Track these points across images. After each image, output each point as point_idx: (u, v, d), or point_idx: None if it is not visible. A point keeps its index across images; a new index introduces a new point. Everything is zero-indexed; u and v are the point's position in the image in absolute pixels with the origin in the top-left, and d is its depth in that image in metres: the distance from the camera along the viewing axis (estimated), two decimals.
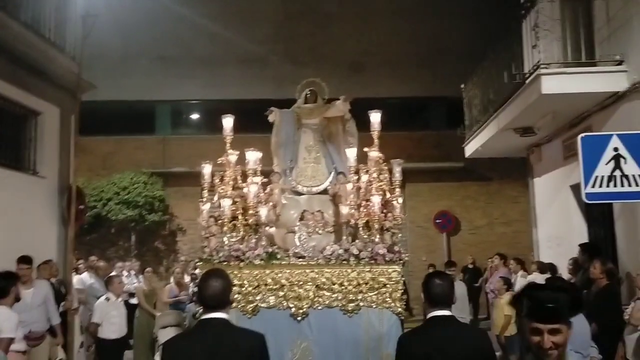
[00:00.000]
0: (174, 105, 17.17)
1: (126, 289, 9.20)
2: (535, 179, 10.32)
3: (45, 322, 6.49)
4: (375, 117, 6.26)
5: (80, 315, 8.19)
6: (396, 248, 5.70)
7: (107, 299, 7.24)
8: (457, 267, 11.98)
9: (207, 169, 6.50)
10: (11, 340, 4.95)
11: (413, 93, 16.17)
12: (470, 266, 13.67)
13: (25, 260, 6.55)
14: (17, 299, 5.41)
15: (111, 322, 7.15)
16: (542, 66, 6.50)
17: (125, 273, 10.61)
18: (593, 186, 5.32)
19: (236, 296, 5.50)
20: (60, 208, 8.78)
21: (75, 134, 8.61)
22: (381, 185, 6.09)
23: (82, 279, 8.91)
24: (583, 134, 5.45)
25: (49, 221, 8.64)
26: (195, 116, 17.98)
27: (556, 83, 6.50)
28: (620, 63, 6.59)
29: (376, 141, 6.18)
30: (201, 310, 3.19)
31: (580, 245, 7.67)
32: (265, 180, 6.39)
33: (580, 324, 4.21)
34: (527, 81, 7.05)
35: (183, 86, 16.22)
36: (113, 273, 9.24)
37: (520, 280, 9.25)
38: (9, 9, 7.28)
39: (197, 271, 10.30)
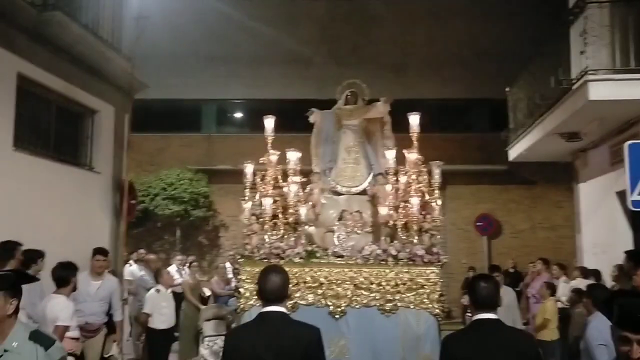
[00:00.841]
0: (219, 104, 17.59)
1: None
2: (581, 184, 10.19)
3: (103, 315, 6.44)
4: (414, 119, 6.21)
5: (129, 305, 8.55)
6: (435, 249, 5.67)
7: (158, 291, 7.55)
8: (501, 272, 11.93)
9: (249, 168, 6.57)
10: (66, 328, 5.18)
11: (455, 95, 16.09)
12: (512, 270, 13.53)
13: (101, 252, 6.60)
14: (74, 288, 5.70)
15: (161, 312, 7.46)
16: (589, 72, 6.46)
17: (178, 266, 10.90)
18: (639, 194, 5.32)
19: None
20: (114, 202, 9.21)
21: (129, 132, 8.97)
22: (420, 187, 6.06)
23: (132, 271, 9.28)
24: (630, 141, 5.45)
25: (103, 214, 9.05)
26: (239, 115, 18.33)
27: (604, 89, 6.45)
28: None
29: (415, 143, 6.14)
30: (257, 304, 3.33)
31: (626, 252, 7.57)
32: (304, 179, 6.43)
33: None
34: (574, 87, 7.00)
35: (228, 85, 16.61)
36: (173, 266, 9.54)
37: (562, 286, 9.17)
38: (69, 11, 7.63)
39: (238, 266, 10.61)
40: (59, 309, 5.16)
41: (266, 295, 3.10)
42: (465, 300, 13.24)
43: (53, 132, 8.07)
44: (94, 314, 6.30)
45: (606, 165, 8.68)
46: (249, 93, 16.72)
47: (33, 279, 3.94)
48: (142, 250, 10.40)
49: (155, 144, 16.34)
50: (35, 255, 6.37)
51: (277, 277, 3.12)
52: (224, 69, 16.37)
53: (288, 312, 3.19)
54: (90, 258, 6.48)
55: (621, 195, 7.82)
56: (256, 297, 5.50)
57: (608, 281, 7.92)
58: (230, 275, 11.26)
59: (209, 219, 16.00)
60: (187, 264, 10.44)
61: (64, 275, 5.42)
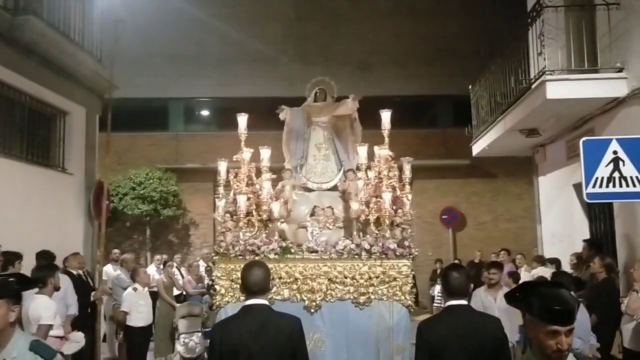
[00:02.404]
0: (186, 103, 17.57)
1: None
2: (540, 178, 10.66)
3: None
4: (385, 116, 6.28)
5: (104, 304, 8.58)
6: (406, 243, 5.74)
7: (135, 289, 7.64)
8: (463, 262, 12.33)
9: (222, 166, 6.48)
10: (50, 327, 5.26)
11: (420, 91, 16.50)
12: (477, 261, 13.97)
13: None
14: (57, 288, 5.75)
15: (139, 310, 7.55)
16: (547, 72, 6.82)
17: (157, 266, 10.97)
18: (594, 186, 5.67)
19: None
20: (87, 203, 9.23)
21: (103, 133, 8.98)
22: (391, 183, 6.12)
23: (105, 271, 9.31)
24: (584, 138, 5.81)
25: (76, 215, 9.08)
26: (206, 113, 18.36)
27: (560, 89, 6.80)
28: (620, 70, 6.89)
29: (386, 139, 6.24)
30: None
31: (585, 241, 8.04)
32: (274, 176, 6.42)
33: (581, 314, 4.55)
34: (532, 86, 7.38)
35: (195, 84, 16.62)
36: (152, 265, 9.58)
37: (524, 275, 9.52)
38: (40, 13, 7.64)
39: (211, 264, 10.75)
40: (42, 309, 5.22)
41: (250, 288, 3.28)
42: (434, 291, 13.69)
43: (25, 133, 8.07)
44: None
45: (563, 160, 9.13)
46: (217, 91, 16.78)
47: (34, 284, 3.89)
48: (116, 250, 10.42)
49: (122, 144, 16.22)
50: (13, 258, 6.42)
51: (260, 270, 3.32)
52: (190, 68, 16.37)
53: (269, 304, 3.34)
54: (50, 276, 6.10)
55: (577, 187, 8.23)
56: (231, 293, 5.67)
57: (566, 269, 8.36)
58: (203, 273, 11.40)
59: (178, 218, 16.03)
60: (162, 264, 10.52)
61: (42, 276, 5.44)
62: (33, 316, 5.20)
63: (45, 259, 6.60)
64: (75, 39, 8.61)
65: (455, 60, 15.63)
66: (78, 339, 6.24)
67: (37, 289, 5.34)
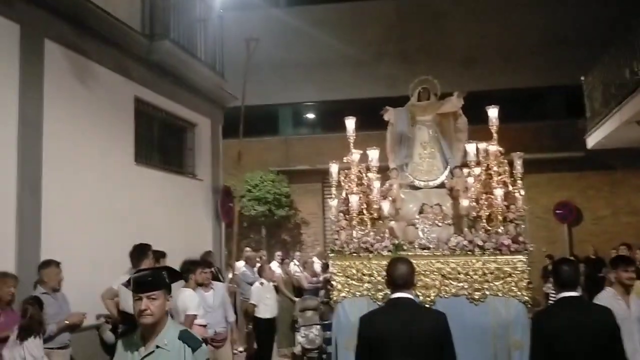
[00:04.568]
0: (294, 108, 18.38)
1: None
2: None
3: (225, 322, 6.73)
4: (492, 112, 6.25)
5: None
6: (521, 239, 5.71)
7: (262, 284, 8.31)
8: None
9: (334, 168, 6.70)
10: (195, 317, 5.84)
11: (527, 84, 16.04)
12: (593, 257, 13.46)
13: (205, 264, 6.89)
14: (200, 284, 6.42)
15: (266, 303, 8.20)
16: None
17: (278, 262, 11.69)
18: None
19: (366, 285, 5.87)
20: (214, 205, 10.13)
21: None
22: (502, 178, 6.12)
23: (237, 266, 10.13)
24: None
25: (205, 217, 9.98)
26: (313, 117, 19.00)
27: None
28: None
29: (495, 135, 6.20)
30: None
31: None
32: (379, 176, 6.52)
33: None
34: None
35: (302, 90, 17.32)
36: (274, 262, 10.32)
37: None
38: (171, 35, 8.51)
39: (329, 262, 11.25)
40: (188, 300, 5.84)
41: (395, 281, 3.41)
42: (547, 288, 13.33)
43: (162, 145, 9.03)
44: (219, 322, 6.59)
45: None
46: (322, 95, 17.32)
47: (181, 276, 4.23)
48: (248, 248, 11.30)
49: (236, 149, 17.24)
50: (158, 255, 7.28)
51: (404, 265, 3.47)
52: (296, 74, 17.05)
53: (414, 298, 3.48)
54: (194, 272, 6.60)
55: None
56: (347, 289, 5.94)
57: None
58: (318, 270, 12.00)
59: (290, 217, 16.74)
60: (281, 260, 11.22)
61: (189, 269, 6.16)
62: (181, 307, 5.80)
63: (208, 267, 6.82)
64: (200, 56, 9.45)
65: (564, 50, 15.04)
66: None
67: (183, 283, 6.10)
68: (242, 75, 9.41)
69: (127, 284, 3.08)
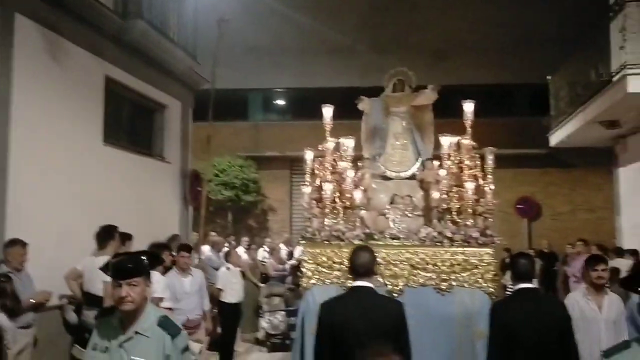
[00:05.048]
0: (265, 94, 18.30)
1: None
2: (620, 169, 10.57)
3: (200, 309, 6.74)
4: (468, 106, 6.28)
5: None
6: (489, 232, 5.79)
7: (228, 268, 8.33)
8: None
9: (309, 155, 6.64)
10: (161, 299, 5.78)
11: (496, 80, 16.38)
12: (546, 250, 13.79)
13: (185, 248, 6.88)
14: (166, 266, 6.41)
15: (232, 288, 8.22)
16: (628, 67, 6.87)
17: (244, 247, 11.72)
18: None
19: (336, 272, 5.79)
20: (182, 189, 10.06)
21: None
22: (473, 172, 6.10)
23: (203, 251, 10.07)
24: None
25: (173, 201, 9.91)
26: (284, 103, 18.98)
27: None
28: None
29: (469, 130, 6.24)
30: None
31: None
32: (351, 165, 6.49)
33: None
34: (613, 79, 7.42)
35: (273, 75, 17.27)
36: (240, 247, 10.30)
37: None
38: (144, 15, 8.36)
39: (298, 249, 11.33)
40: (154, 282, 5.83)
41: (357, 269, 3.54)
42: (505, 280, 13.70)
43: (131, 126, 8.90)
44: (194, 309, 6.59)
45: None
46: (294, 82, 17.32)
47: (160, 261, 4.38)
48: (213, 233, 11.26)
49: (206, 133, 17.08)
50: (125, 238, 7.21)
51: (367, 254, 3.61)
52: (269, 59, 16.96)
53: (374, 287, 3.57)
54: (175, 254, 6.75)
55: None
56: (317, 276, 5.83)
57: None
58: (284, 256, 12.08)
59: (257, 204, 16.79)
60: (247, 246, 11.25)
61: (158, 254, 6.19)
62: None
63: (186, 251, 6.90)
64: (173, 38, 9.33)
65: (533, 48, 15.42)
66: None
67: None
68: (213, 57, 9.27)
69: (104, 269, 3.04)
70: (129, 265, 2.90)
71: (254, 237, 16.74)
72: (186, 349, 3.01)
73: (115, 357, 2.86)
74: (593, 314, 4.83)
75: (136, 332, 2.87)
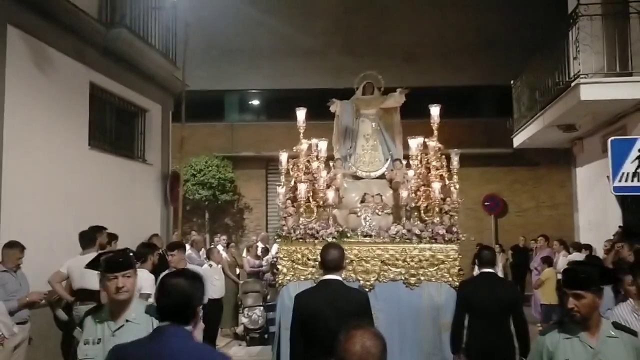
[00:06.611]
0: (240, 95, 18.57)
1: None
2: (577, 168, 11.21)
3: None
4: (434, 110, 6.56)
5: None
6: (454, 229, 6.11)
7: (210, 266, 8.68)
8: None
9: (283, 156, 6.88)
10: (149, 295, 5.84)
11: (463, 82, 16.77)
12: (521, 245, 14.35)
13: (180, 247, 7.02)
14: (154, 264, 6.68)
15: (213, 284, 8.48)
16: (581, 76, 7.45)
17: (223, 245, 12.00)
18: (620, 180, 6.36)
19: (311, 269, 6.15)
20: (163, 190, 10.36)
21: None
22: (439, 173, 6.49)
23: None
24: (612, 138, 6.46)
25: (155, 201, 10.22)
26: (258, 104, 19.19)
27: (593, 91, 7.41)
28: None
29: (435, 132, 6.52)
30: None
31: (621, 227, 8.63)
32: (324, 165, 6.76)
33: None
34: (569, 87, 8.00)
35: (249, 77, 17.53)
36: (219, 245, 10.65)
37: (562, 260, 10.16)
38: (127, 24, 8.64)
39: (275, 246, 11.61)
40: (143, 280, 5.92)
41: (327, 264, 3.84)
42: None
43: (114, 130, 9.18)
44: None
45: (599, 152, 9.68)
46: (268, 84, 17.52)
47: (138, 258, 4.55)
48: (193, 232, 11.53)
49: (180, 133, 17.23)
50: (111, 238, 7.52)
51: (336, 250, 3.89)
52: (244, 61, 17.20)
53: (342, 280, 3.87)
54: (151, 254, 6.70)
55: None
56: (292, 273, 6.21)
57: (600, 254, 8.97)
58: (260, 253, 12.39)
59: (234, 202, 17.03)
60: (226, 244, 11.56)
61: (144, 252, 6.33)
62: (136, 286, 6.21)
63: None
64: (154, 44, 9.60)
65: (498, 52, 15.95)
66: None
67: (139, 264, 6.39)
68: (181, 58, 9.60)
69: (93, 266, 3.34)
70: (121, 259, 3.22)
71: (231, 235, 17.07)
72: None
73: (109, 346, 2.97)
74: None
75: (127, 320, 3.14)
